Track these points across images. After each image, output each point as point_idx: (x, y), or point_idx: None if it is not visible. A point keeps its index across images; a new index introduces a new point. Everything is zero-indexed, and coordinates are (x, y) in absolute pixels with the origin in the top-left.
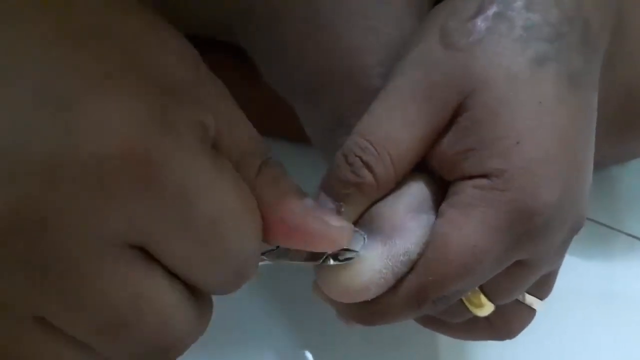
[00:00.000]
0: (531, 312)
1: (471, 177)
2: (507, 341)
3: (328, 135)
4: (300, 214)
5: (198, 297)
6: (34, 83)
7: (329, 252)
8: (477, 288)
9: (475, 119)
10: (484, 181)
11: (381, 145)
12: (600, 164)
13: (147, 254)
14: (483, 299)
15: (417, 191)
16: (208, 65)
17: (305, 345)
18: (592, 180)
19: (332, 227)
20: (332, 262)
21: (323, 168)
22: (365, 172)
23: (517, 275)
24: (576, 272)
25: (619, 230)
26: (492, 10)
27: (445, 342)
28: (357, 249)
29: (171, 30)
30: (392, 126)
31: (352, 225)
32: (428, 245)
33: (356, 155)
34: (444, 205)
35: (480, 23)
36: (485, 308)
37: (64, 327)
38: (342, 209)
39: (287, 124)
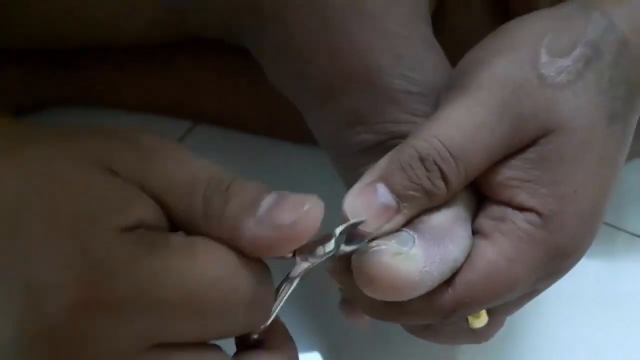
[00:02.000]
0: (502, 322)
1: (521, 209)
2: (510, 340)
3: (343, 133)
4: (251, 230)
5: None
6: None
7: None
8: None
9: (544, 157)
10: (536, 218)
11: (463, 161)
12: (633, 154)
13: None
14: (484, 313)
15: (466, 201)
16: (215, 67)
17: (315, 346)
18: None
19: (294, 227)
20: (347, 248)
21: (327, 169)
22: (441, 184)
23: (526, 298)
24: (578, 271)
25: (621, 229)
26: (585, 53)
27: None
28: (407, 247)
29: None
30: (476, 145)
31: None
32: (471, 265)
33: (436, 164)
34: (490, 227)
35: (574, 64)
36: (483, 321)
37: None
38: (405, 210)
39: (293, 126)
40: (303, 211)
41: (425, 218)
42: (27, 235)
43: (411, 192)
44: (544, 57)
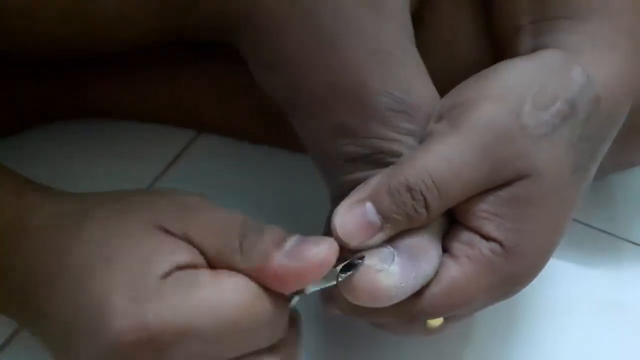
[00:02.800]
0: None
1: (487, 238)
2: (516, 350)
3: (330, 144)
4: (281, 264)
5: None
6: None
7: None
8: None
9: (515, 197)
10: (498, 248)
11: (445, 193)
12: (602, 172)
13: None
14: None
15: (440, 224)
16: (216, 77)
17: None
18: (598, 188)
19: (311, 262)
20: (343, 275)
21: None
22: (423, 212)
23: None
24: (582, 281)
25: (625, 239)
26: (563, 109)
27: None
28: (387, 264)
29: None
30: (459, 180)
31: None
32: (437, 281)
33: (422, 194)
34: (459, 250)
35: (552, 119)
36: (438, 322)
37: None
38: (387, 230)
39: (294, 135)
40: (323, 247)
41: (404, 235)
42: (95, 289)
43: (395, 216)
44: (527, 109)
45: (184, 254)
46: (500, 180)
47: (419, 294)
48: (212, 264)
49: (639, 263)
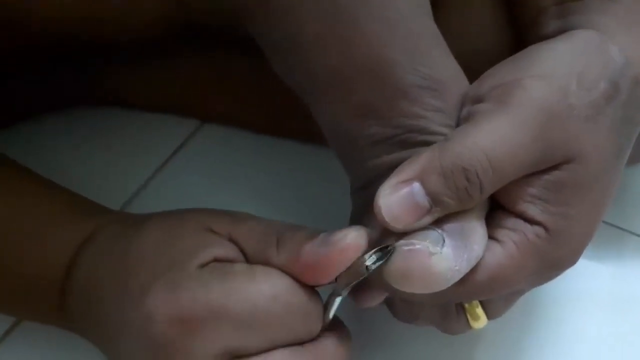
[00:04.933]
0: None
1: (531, 222)
2: (517, 344)
3: (353, 126)
4: (314, 251)
5: None
6: None
7: (364, 260)
8: (478, 303)
9: (562, 182)
10: (543, 232)
11: (500, 174)
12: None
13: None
14: (483, 316)
15: (485, 203)
16: (221, 66)
17: None
18: None
19: (343, 242)
20: (373, 266)
21: (334, 168)
22: (477, 194)
23: (515, 300)
24: (587, 274)
25: (630, 232)
26: (608, 89)
27: (438, 342)
28: (439, 247)
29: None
30: (513, 161)
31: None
32: (483, 265)
33: (478, 176)
34: (504, 235)
35: (598, 99)
36: (482, 323)
37: None
38: (435, 213)
39: (299, 126)
40: (350, 232)
41: (451, 216)
42: (140, 279)
43: (446, 199)
44: (574, 88)
45: (223, 248)
46: (549, 162)
47: (464, 278)
48: (251, 262)
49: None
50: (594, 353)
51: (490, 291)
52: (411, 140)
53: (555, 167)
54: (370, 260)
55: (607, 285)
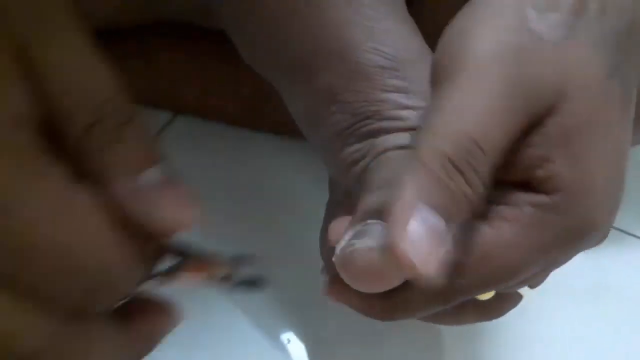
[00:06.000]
0: (520, 297)
1: (530, 189)
2: (498, 334)
3: (319, 113)
4: (121, 199)
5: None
6: None
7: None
8: None
9: (565, 128)
10: (545, 199)
11: (492, 147)
12: None
13: None
14: None
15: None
16: (194, 56)
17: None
18: None
19: (156, 217)
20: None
21: (308, 161)
22: (478, 182)
23: (542, 274)
24: (566, 266)
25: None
26: (572, 3)
27: (427, 337)
28: (378, 239)
29: None
30: (497, 127)
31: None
32: (472, 252)
33: (468, 162)
34: (492, 211)
35: (565, 17)
36: (489, 294)
37: None
38: (450, 230)
39: (274, 118)
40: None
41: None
42: None
43: (455, 207)
44: (533, 15)
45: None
46: (544, 107)
47: (458, 268)
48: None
49: (621, 248)
50: (572, 341)
51: (483, 275)
52: (367, 129)
53: (551, 113)
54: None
55: (584, 277)
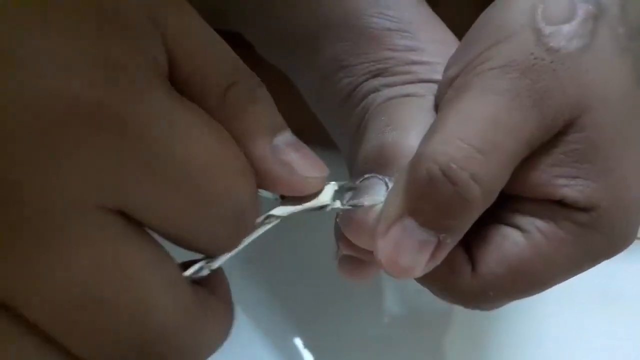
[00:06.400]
0: None
1: (564, 205)
2: (505, 338)
3: (326, 84)
4: (262, 156)
5: (199, 287)
6: None
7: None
8: None
9: (589, 143)
10: (584, 217)
11: (489, 152)
12: None
13: (129, 220)
14: None
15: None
16: None
17: (296, 331)
18: None
19: (297, 175)
20: (340, 205)
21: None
22: (475, 190)
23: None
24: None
25: None
26: (588, 10)
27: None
28: (380, 195)
29: None
30: (498, 131)
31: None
32: (502, 258)
33: (462, 169)
34: (528, 224)
35: (582, 25)
36: None
37: (26, 312)
38: (448, 241)
39: (288, 123)
40: (318, 174)
41: (390, 153)
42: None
43: (447, 221)
44: (546, 29)
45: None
46: (560, 122)
47: (476, 270)
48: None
49: (631, 255)
50: (577, 346)
51: (513, 288)
52: (375, 84)
53: (573, 127)
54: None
55: (591, 281)
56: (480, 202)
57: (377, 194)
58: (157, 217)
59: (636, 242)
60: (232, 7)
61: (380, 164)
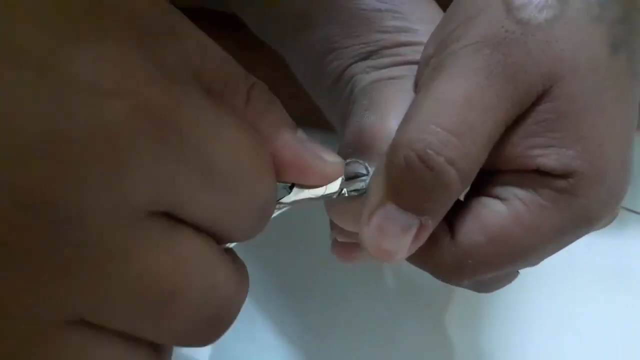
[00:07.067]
0: (516, 275)
1: (542, 173)
2: (505, 315)
3: (318, 66)
4: (294, 146)
5: (230, 254)
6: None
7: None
8: None
9: (560, 112)
10: (562, 182)
11: (464, 135)
12: None
13: (171, 217)
14: None
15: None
16: None
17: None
18: None
19: (326, 161)
20: (346, 194)
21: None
22: (452, 174)
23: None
24: (583, 248)
25: (627, 209)
26: None
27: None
28: (361, 180)
29: None
30: (473, 111)
31: (343, 161)
32: (481, 227)
33: (438, 154)
34: (508, 193)
35: None
36: None
37: (105, 321)
38: (429, 222)
39: (285, 106)
40: (339, 160)
41: (370, 136)
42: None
43: (426, 204)
44: (516, 1)
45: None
46: (534, 92)
47: (455, 239)
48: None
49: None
50: (588, 326)
51: (494, 257)
52: (364, 66)
53: (545, 96)
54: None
55: (599, 258)
56: (459, 184)
57: (358, 178)
58: (197, 215)
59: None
60: None
61: (359, 149)
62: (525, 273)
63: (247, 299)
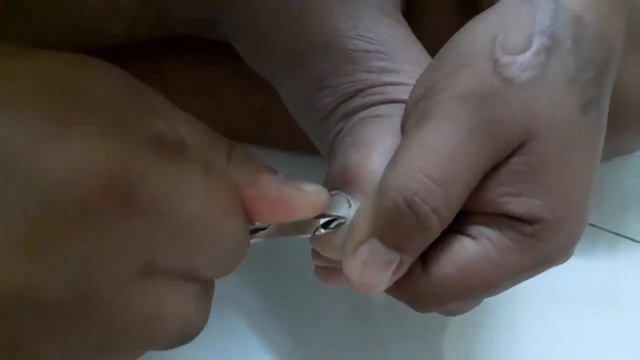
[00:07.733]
0: (479, 302)
1: (511, 217)
2: (507, 339)
3: (309, 101)
4: (276, 186)
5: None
6: None
7: (318, 222)
8: None
9: (532, 166)
10: (528, 228)
11: (447, 185)
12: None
13: (151, 266)
14: None
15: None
16: (201, 73)
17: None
18: None
19: (309, 192)
20: (322, 231)
21: (314, 175)
22: (434, 221)
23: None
24: (573, 274)
25: (616, 233)
26: (543, 43)
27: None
28: (342, 212)
29: (91, 59)
30: (456, 163)
31: (327, 190)
32: (452, 259)
33: (425, 203)
34: (478, 232)
35: (535, 58)
36: None
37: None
38: (408, 259)
39: (280, 132)
40: (324, 192)
41: (352, 173)
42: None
43: (407, 243)
44: (502, 58)
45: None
46: (510, 146)
47: (427, 269)
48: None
49: (629, 256)
50: (574, 350)
51: (462, 288)
52: (351, 106)
53: (520, 149)
54: (320, 224)
55: (590, 284)
56: (438, 228)
57: (340, 210)
58: (174, 264)
59: (632, 244)
60: (223, 20)
61: (343, 184)
62: (517, 296)
63: (235, 316)
